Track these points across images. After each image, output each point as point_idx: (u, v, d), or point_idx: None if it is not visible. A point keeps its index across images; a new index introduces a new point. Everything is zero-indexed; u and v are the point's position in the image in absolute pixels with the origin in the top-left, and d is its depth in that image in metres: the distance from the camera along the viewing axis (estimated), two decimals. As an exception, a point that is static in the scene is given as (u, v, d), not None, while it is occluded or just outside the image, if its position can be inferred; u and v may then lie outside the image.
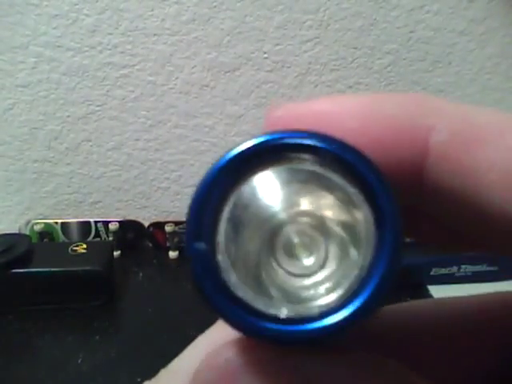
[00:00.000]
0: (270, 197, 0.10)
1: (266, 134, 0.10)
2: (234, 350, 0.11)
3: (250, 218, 0.10)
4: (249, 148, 0.10)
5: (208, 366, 0.11)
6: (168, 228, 0.62)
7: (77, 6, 0.56)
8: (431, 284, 0.56)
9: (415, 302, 0.15)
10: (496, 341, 0.14)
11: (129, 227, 0.63)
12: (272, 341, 0.09)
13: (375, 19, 0.58)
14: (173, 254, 0.63)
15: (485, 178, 0.10)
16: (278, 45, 0.59)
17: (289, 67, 0.60)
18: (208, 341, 0.13)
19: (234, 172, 0.10)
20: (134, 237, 0.64)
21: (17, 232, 0.62)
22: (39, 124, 0.61)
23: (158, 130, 0.62)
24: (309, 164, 0.10)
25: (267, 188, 0.10)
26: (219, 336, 0.13)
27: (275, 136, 0.10)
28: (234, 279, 0.10)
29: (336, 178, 0.10)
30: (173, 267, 0.62)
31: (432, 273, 0.57)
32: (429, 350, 0.13)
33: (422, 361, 0.13)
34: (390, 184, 0.09)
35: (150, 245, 0.65)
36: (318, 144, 0.10)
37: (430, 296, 0.53)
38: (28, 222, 0.63)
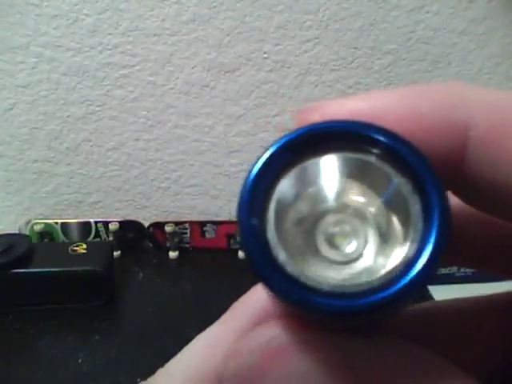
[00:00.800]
0: (318, 183, 0.11)
1: (323, 122, 0.11)
2: (278, 328, 0.11)
3: (297, 200, 0.11)
4: (306, 133, 0.10)
5: (247, 347, 0.11)
6: (168, 228, 0.62)
7: (77, 6, 0.56)
8: (431, 284, 0.56)
9: (415, 305, 0.15)
10: (497, 341, 0.14)
11: (129, 227, 0.64)
12: (321, 313, 0.10)
13: (375, 19, 0.58)
14: (173, 254, 0.63)
15: None
16: (277, 45, 0.59)
17: (289, 67, 0.60)
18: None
19: (289, 154, 0.10)
20: (134, 237, 0.64)
21: (17, 232, 0.62)
22: (39, 124, 0.61)
23: (158, 130, 0.62)
24: (362, 154, 0.10)
25: (317, 173, 0.11)
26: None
27: (332, 124, 0.11)
28: (282, 256, 0.10)
29: (387, 168, 0.10)
30: (173, 267, 0.62)
31: (432, 273, 0.57)
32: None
33: None
34: (437, 174, 0.10)
35: (150, 245, 0.65)
36: (373, 135, 0.10)
37: (430, 296, 0.53)
38: (28, 222, 0.63)
